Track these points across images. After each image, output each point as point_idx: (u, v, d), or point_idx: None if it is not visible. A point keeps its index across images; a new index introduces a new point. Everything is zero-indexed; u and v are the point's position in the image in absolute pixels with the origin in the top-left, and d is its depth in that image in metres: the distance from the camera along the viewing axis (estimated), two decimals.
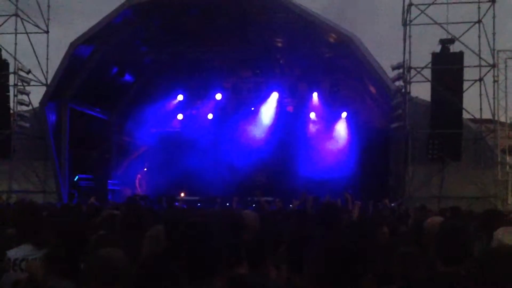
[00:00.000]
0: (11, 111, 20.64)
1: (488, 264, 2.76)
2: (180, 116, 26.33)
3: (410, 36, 18.89)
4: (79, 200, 19.50)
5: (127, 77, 24.45)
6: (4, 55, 20.81)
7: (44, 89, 21.02)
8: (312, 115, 25.18)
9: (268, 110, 25.25)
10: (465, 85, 18.54)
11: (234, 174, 24.61)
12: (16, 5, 20.73)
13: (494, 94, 18.86)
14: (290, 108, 25.50)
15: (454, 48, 18.66)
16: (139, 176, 26.44)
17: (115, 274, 3.01)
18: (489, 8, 18.53)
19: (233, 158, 24.48)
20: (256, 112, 25.51)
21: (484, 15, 18.58)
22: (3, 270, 3.89)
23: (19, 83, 20.56)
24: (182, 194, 22.76)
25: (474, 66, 18.78)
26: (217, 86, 25.01)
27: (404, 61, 18.84)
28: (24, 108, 20.97)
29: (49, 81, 20.92)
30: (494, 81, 18.90)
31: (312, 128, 25.26)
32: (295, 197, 19.73)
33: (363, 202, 14.64)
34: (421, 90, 19.85)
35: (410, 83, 18.93)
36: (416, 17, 18.87)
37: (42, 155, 21.02)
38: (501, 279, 2.67)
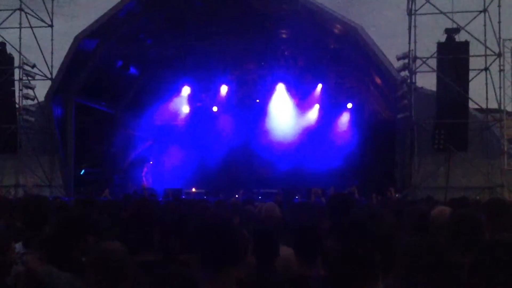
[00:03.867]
0: (17, 106, 20.69)
1: (496, 254, 2.74)
2: (185, 109, 26.32)
3: (415, 26, 18.80)
4: (86, 193, 19.59)
5: (132, 71, 24.45)
6: (9, 50, 20.87)
7: (49, 83, 21.06)
8: (317, 107, 25.13)
9: (275, 102, 25.20)
10: (471, 74, 18.47)
11: (239, 166, 24.64)
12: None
13: (500, 83, 18.79)
14: (295, 100, 25.43)
15: (460, 37, 18.58)
16: (145, 169, 26.48)
17: (115, 267, 3.02)
18: None
19: (239, 150, 24.50)
20: (261, 104, 25.48)
21: (490, 4, 18.47)
22: (9, 265, 3.89)
23: (24, 78, 20.59)
24: (193, 189, 22.83)
25: (480, 56, 18.71)
26: (222, 78, 24.96)
27: (409, 51, 18.77)
28: (30, 102, 21.01)
29: (54, 75, 20.95)
30: (500, 70, 18.81)
31: (317, 119, 25.21)
32: (298, 190, 19.82)
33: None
34: (427, 80, 19.83)
35: (415, 73, 18.86)
36: (421, 7, 18.79)
37: (48, 149, 21.08)
38: (507, 269, 2.66)
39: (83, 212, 4.88)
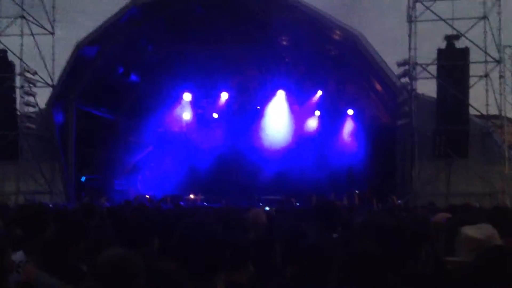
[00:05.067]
0: (18, 113, 20.71)
1: (495, 261, 2.76)
2: (186, 116, 26.34)
3: (415, 33, 18.84)
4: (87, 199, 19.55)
5: (133, 77, 24.48)
6: (10, 57, 20.89)
7: (50, 90, 21.09)
8: (318, 113, 25.14)
9: (274, 109, 25.21)
10: (471, 81, 18.50)
11: (240, 173, 24.62)
12: (21, 7, 20.81)
13: (500, 90, 18.80)
14: (295, 106, 25.46)
15: (460, 44, 18.60)
16: (146, 176, 26.49)
17: (124, 274, 2.99)
18: (494, 4, 18.46)
19: (239, 157, 24.49)
20: (262, 110, 25.50)
21: (490, 11, 18.51)
22: (7, 271, 3.89)
23: (25, 85, 20.62)
24: (192, 196, 22.78)
25: (480, 62, 18.73)
26: (223, 84, 25.00)
27: (409, 58, 18.79)
28: (31, 109, 21.03)
29: (55, 82, 20.99)
30: (500, 77, 18.82)
31: (317, 125, 25.22)
32: (298, 196, 19.79)
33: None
34: (427, 87, 19.83)
35: (416, 79, 18.89)
36: (421, 14, 18.83)
37: (49, 155, 21.07)
38: (506, 276, 2.67)
39: (80, 219, 4.88)
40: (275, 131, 24.93)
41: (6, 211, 8.81)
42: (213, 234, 2.81)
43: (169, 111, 25.58)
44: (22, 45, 20.76)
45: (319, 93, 24.60)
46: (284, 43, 22.74)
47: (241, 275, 3.71)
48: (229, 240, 3.08)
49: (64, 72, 20.61)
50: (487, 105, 18.70)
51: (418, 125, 18.63)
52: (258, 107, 25.62)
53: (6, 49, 20.93)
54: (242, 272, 3.78)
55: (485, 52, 18.48)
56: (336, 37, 20.50)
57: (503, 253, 2.82)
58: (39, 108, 21.26)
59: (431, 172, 18.47)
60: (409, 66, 18.72)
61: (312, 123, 25.33)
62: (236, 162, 24.68)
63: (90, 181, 23.12)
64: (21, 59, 20.63)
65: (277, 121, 25.12)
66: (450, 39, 18.56)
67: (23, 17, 20.82)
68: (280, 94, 24.88)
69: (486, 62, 18.60)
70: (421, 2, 18.80)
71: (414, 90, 18.87)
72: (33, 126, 20.81)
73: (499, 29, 18.43)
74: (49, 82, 21.19)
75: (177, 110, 26.04)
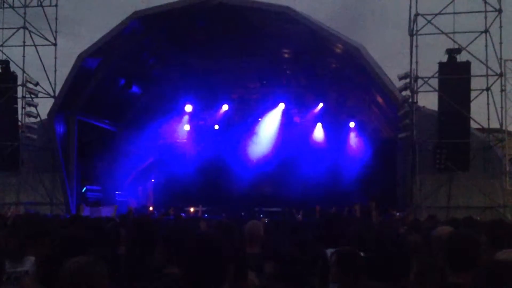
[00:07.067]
0: (19, 123, 20.73)
1: (495, 276, 2.74)
2: (187, 127, 26.38)
3: (417, 46, 18.87)
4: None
5: (135, 89, 24.51)
6: (13, 68, 20.95)
7: (52, 101, 21.12)
8: (319, 125, 25.16)
9: (273, 121, 25.24)
10: (473, 94, 18.48)
11: (241, 185, 24.60)
12: (24, 18, 20.90)
13: (501, 103, 18.78)
14: (296, 119, 25.50)
15: (461, 57, 18.62)
16: (146, 187, 26.46)
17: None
18: (495, 17, 18.50)
19: (239, 169, 24.48)
20: (260, 122, 25.54)
21: (491, 24, 18.55)
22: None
23: (27, 95, 20.66)
24: (192, 209, 22.76)
25: (481, 76, 18.74)
26: (224, 97, 25.06)
27: (411, 71, 18.81)
28: (32, 120, 21.05)
29: (57, 93, 21.03)
30: (502, 90, 18.82)
31: (318, 138, 25.23)
32: (297, 208, 19.77)
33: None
34: (428, 100, 19.85)
35: (417, 92, 18.89)
36: (423, 27, 18.88)
37: (50, 166, 21.06)
38: None
39: (77, 231, 4.86)
40: (275, 144, 24.93)
41: (5, 222, 8.80)
42: (220, 246, 2.81)
43: (170, 122, 25.63)
44: (24, 55, 20.84)
45: (320, 105, 24.63)
46: (286, 55, 22.80)
47: (245, 286, 3.72)
48: (234, 252, 3.09)
49: (66, 83, 20.66)
50: (488, 118, 18.70)
51: (419, 138, 18.61)
52: (260, 119, 25.66)
53: (9, 59, 21.00)
54: (246, 284, 3.78)
55: (487, 66, 18.50)
56: (338, 50, 20.54)
57: (500, 268, 2.81)
58: (41, 118, 21.29)
59: (432, 185, 18.44)
60: (411, 79, 18.73)
61: (313, 135, 25.34)
62: (236, 174, 24.65)
63: (91, 192, 23.13)
64: (23, 70, 20.70)
65: (276, 133, 25.12)
66: (452, 52, 18.58)
67: (25, 28, 20.92)
68: (281, 107, 24.92)
69: (487, 75, 18.60)
70: (423, 16, 18.85)
71: (415, 103, 18.87)
72: (34, 136, 20.81)
73: (500, 43, 18.46)
74: (51, 93, 21.24)
75: (179, 121, 26.08)
